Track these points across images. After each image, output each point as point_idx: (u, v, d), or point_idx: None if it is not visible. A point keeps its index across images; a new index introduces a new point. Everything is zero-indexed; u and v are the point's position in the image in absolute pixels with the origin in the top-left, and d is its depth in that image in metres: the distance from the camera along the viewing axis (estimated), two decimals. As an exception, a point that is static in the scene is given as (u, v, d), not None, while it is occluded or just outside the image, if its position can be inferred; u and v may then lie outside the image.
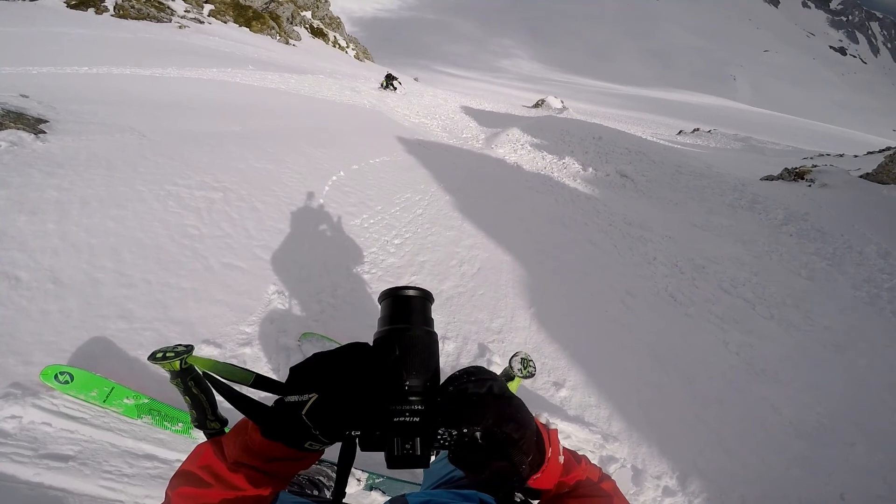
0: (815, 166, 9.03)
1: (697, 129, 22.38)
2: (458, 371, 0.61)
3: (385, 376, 0.55)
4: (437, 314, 2.84)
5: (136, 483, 1.39)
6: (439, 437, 0.54)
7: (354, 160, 5.02)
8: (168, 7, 15.82)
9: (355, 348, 0.58)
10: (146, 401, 1.55)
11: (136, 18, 13.20)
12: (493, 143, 9.41)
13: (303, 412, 0.53)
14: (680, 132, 21.86)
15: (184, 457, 1.43)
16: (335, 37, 27.75)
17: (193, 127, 4.16)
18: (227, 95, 6.39)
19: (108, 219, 2.35)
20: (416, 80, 27.84)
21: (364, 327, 2.50)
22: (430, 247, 3.69)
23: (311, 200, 3.63)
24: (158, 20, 14.01)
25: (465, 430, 0.53)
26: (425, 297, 0.65)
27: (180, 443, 1.53)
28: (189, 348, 1.02)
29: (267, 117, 5.73)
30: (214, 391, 0.77)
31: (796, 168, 8.92)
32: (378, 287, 2.92)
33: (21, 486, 1.27)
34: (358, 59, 27.97)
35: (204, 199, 2.91)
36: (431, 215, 4.34)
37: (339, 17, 30.11)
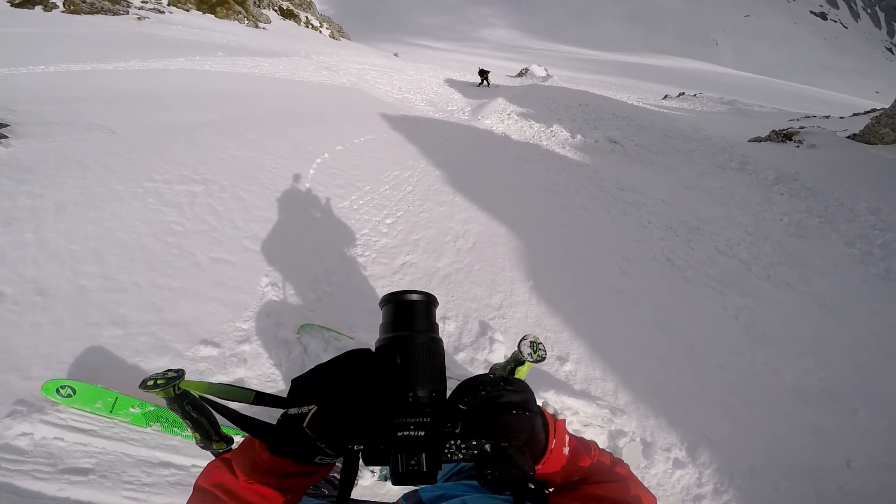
0: (803, 128, 9.01)
1: (683, 94, 22.19)
2: (493, 376, 0.57)
3: (388, 387, 0.52)
4: (436, 293, 2.77)
5: (157, 491, 1.39)
6: (447, 450, 0.52)
7: (338, 140, 4.86)
8: (123, -1, 14.87)
9: (356, 356, 0.55)
10: (152, 408, 1.53)
11: (89, 13, 12.36)
12: (479, 114, 9.22)
13: (304, 424, 0.51)
14: (665, 97, 21.67)
15: (200, 462, 1.46)
16: (307, 17, 26.64)
17: (166, 119, 3.96)
18: (198, 84, 6.08)
19: (86, 222, 2.26)
20: (396, 55, 27.09)
21: (363, 313, 2.43)
22: (423, 224, 3.61)
23: (297, 185, 3.50)
24: (114, 13, 13.15)
25: (483, 442, 0.52)
26: (429, 302, 0.60)
27: (194, 448, 1.50)
28: (179, 373, 0.99)
29: (243, 103, 5.49)
30: (214, 412, 0.76)
31: (784, 129, 8.91)
32: (373, 270, 2.84)
33: (49, 503, 1.28)
34: (333, 37, 26.98)
35: (185, 194, 2.79)
36: (422, 192, 4.24)
37: (309, -2, 28.80)
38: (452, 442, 0.52)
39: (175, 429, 1.53)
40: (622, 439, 2.00)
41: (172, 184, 2.84)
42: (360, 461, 0.52)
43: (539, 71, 22.64)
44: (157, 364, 1.75)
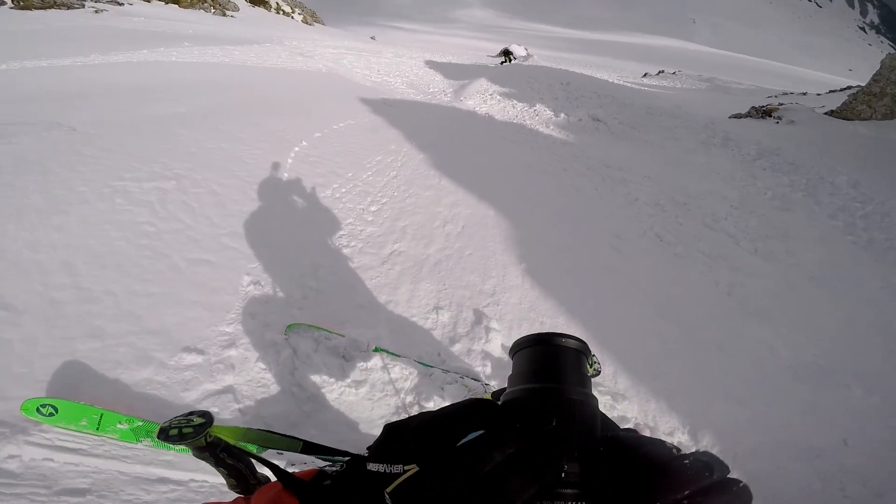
0: (782, 104, 9.11)
1: (662, 71, 22.24)
2: (691, 462, 0.38)
3: (534, 457, 0.36)
4: (427, 282, 2.69)
5: (159, 509, 1.33)
6: None
7: (316, 127, 4.66)
8: (77, -8, 13.96)
9: (482, 409, 0.40)
10: (140, 424, 1.44)
11: (41, 8, 11.55)
12: (461, 95, 9.03)
13: (387, 489, 0.36)
14: (645, 74, 21.66)
15: (198, 476, 1.43)
16: (277, 3, 25.60)
17: (131, 114, 3.71)
18: (165, 76, 5.75)
19: (51, 230, 2.10)
20: (372, 38, 26.43)
21: (352, 308, 2.33)
22: (410, 209, 3.49)
23: (275, 176, 3.34)
24: (69, 7, 12.30)
25: None
26: (581, 351, 0.47)
27: (189, 462, 1.42)
28: (206, 418, 0.86)
29: (213, 93, 5.21)
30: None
31: (763, 106, 8.99)
32: (361, 261, 2.73)
33: None
34: (306, 23, 26.05)
35: (156, 191, 2.62)
36: (407, 176, 4.11)
37: (279, -20, 27.53)
38: None
39: (167, 444, 1.45)
40: (624, 426, 1.96)
41: (141, 181, 2.66)
42: None
43: (519, 50, 22.29)
44: (141, 376, 1.63)
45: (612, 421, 0.56)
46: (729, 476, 0.39)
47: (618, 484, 0.38)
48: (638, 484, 0.37)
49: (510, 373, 0.48)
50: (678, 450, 0.40)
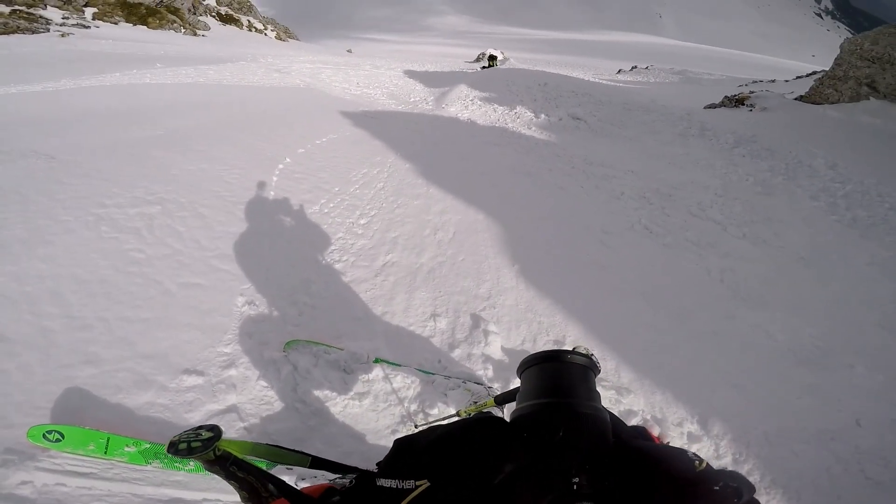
0: (753, 92, 9.33)
1: (635, 67, 22.65)
2: (728, 488, 0.40)
3: (544, 468, 0.37)
4: (422, 290, 2.68)
5: (175, 530, 1.32)
6: None
7: (299, 143, 4.64)
8: (40, 17, 13.72)
9: (490, 425, 0.41)
10: (148, 446, 1.45)
11: (3, 33, 11.36)
12: (442, 102, 9.10)
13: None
14: (619, 71, 22.03)
15: (210, 495, 1.43)
16: (249, 21, 25.54)
17: (107, 138, 3.65)
18: (139, 98, 5.67)
19: (36, 260, 2.08)
20: (349, 51, 26.52)
21: (349, 321, 2.31)
22: (400, 220, 3.49)
23: (260, 194, 3.31)
24: (33, 31, 12.12)
25: None
26: (587, 367, 0.48)
27: (200, 481, 1.44)
28: (215, 431, 0.88)
29: (191, 114, 5.14)
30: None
31: (735, 95, 9.19)
32: (354, 274, 2.70)
33: None
34: (280, 39, 26.03)
35: (140, 217, 2.59)
36: (394, 187, 4.11)
37: (249, 0, 27.45)
38: None
39: (176, 464, 1.45)
40: (633, 419, 1.96)
41: (125, 207, 2.62)
42: None
43: (496, 55, 22.57)
44: (143, 399, 1.64)
45: (622, 420, 0.56)
46: (755, 497, 0.39)
47: (638, 500, 0.38)
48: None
49: (519, 389, 0.49)
50: (700, 461, 0.41)
